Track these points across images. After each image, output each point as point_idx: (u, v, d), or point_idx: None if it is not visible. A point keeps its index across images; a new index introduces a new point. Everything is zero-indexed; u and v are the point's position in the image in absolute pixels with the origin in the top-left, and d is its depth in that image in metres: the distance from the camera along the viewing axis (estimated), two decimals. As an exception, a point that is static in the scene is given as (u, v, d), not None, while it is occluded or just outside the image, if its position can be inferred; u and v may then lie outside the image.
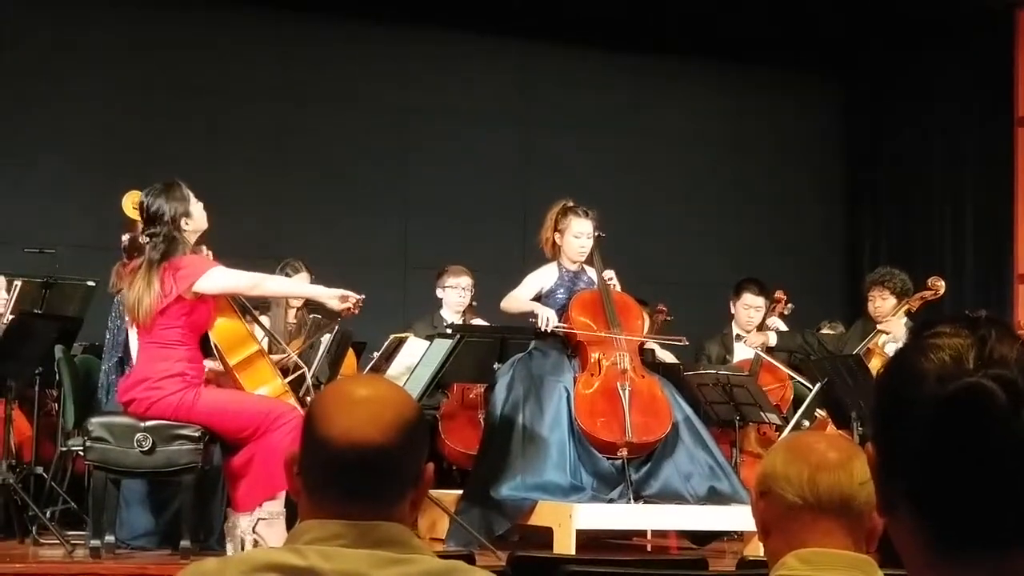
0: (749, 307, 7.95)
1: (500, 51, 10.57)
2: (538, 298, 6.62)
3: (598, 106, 10.70)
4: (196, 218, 5.50)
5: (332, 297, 5.63)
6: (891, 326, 7.37)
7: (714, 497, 6.30)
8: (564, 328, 6.52)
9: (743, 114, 11.06)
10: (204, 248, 5.77)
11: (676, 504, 6.24)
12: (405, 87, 10.25)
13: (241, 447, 5.40)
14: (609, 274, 6.74)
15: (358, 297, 5.59)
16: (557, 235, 6.63)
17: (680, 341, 7.13)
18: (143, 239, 5.42)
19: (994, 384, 1.15)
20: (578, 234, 6.60)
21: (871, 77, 11.19)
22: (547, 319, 6.45)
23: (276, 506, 5.37)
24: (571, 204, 6.65)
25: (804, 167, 11.26)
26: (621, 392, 6.34)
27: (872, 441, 1.24)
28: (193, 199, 5.50)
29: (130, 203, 5.79)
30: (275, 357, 6.12)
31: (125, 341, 5.87)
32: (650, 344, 7.55)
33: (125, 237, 5.90)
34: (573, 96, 10.63)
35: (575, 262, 6.68)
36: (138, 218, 5.61)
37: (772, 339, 7.83)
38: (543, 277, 6.69)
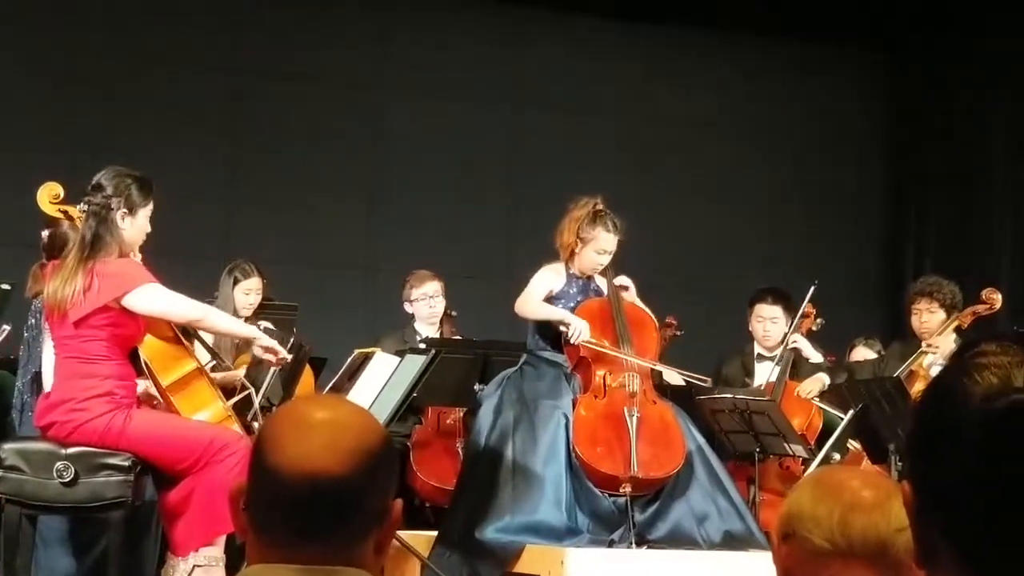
0: (764, 319, 7.96)
1: (486, 17, 10.58)
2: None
3: (601, 83, 10.70)
4: (134, 226, 5.41)
5: (259, 345, 5.66)
6: (939, 344, 7.36)
7: (728, 542, 6.31)
8: (593, 345, 6.49)
9: (769, 96, 11.07)
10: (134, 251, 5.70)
11: (685, 549, 6.24)
12: (373, 59, 10.25)
13: (179, 481, 5.39)
14: (622, 280, 6.74)
15: (283, 355, 5.73)
16: (577, 242, 6.62)
17: (704, 381, 7.12)
18: (79, 209, 5.38)
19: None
20: (601, 250, 6.60)
21: (919, 53, 11.19)
22: (579, 332, 6.46)
23: (214, 551, 5.37)
24: (601, 208, 6.62)
25: (839, 157, 11.27)
26: (628, 419, 6.33)
27: (908, 478, 1.23)
28: (148, 210, 5.45)
29: (47, 196, 5.60)
30: (218, 375, 6.09)
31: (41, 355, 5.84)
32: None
33: (45, 233, 5.87)
34: (571, 71, 10.63)
35: (585, 274, 6.70)
36: (56, 213, 5.58)
37: (826, 380, 7.77)
38: (550, 280, 6.69)
